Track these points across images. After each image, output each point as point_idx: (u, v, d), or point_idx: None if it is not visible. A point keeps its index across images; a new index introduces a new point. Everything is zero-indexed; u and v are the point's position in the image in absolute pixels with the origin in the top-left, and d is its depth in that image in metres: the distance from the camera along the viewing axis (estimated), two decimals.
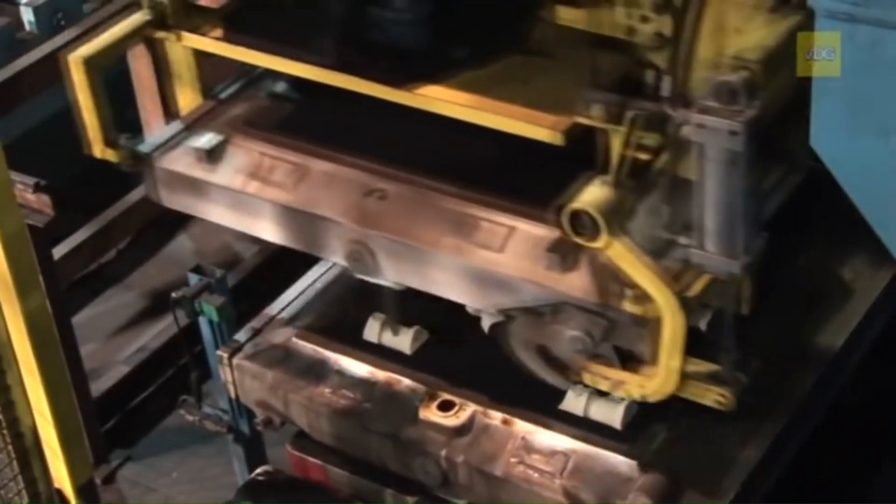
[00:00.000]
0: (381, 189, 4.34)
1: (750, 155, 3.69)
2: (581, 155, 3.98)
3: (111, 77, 7.68)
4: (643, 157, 3.93)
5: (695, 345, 4.10)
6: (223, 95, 4.86)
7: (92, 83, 4.60)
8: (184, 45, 4.68)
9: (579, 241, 3.91)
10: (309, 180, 4.44)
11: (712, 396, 4.17)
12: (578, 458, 4.33)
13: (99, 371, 6.66)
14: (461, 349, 4.71)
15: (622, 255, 3.90)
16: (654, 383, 4.14)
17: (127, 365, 6.69)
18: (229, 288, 5.17)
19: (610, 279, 3.97)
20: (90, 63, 4.58)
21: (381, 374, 4.76)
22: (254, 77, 4.91)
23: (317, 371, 4.78)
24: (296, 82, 4.74)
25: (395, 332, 4.81)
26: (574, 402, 4.44)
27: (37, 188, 5.48)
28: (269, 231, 4.55)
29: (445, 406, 4.60)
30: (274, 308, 5.11)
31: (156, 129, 4.85)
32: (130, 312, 7.26)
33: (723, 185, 3.76)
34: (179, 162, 4.63)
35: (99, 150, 4.74)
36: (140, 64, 7.26)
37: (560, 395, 4.46)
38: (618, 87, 3.92)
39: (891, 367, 5.20)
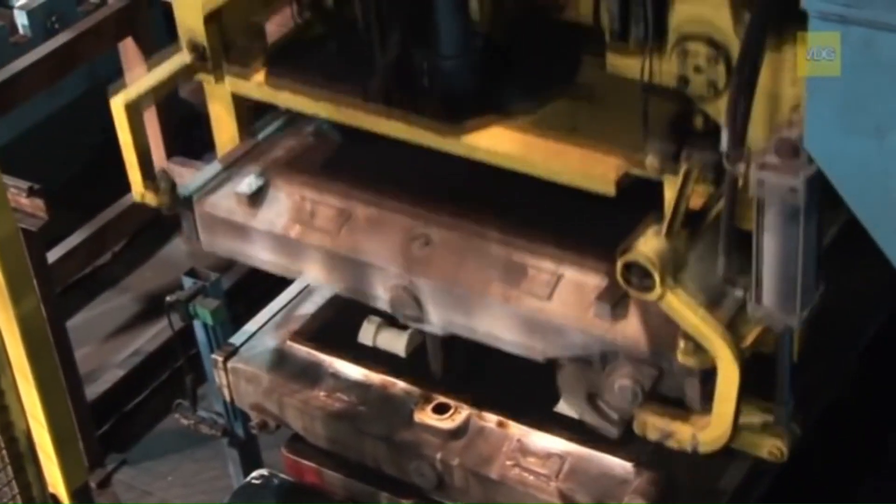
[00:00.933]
0: (426, 234, 4.29)
1: (810, 211, 3.62)
2: (631, 201, 3.95)
3: (105, 79, 7.72)
4: (698, 206, 3.92)
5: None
6: (263, 134, 4.80)
7: (133, 126, 4.61)
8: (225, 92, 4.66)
9: (633, 292, 3.87)
10: (352, 225, 4.39)
11: (766, 448, 4.12)
12: (574, 460, 4.33)
13: (94, 375, 6.66)
14: (456, 352, 4.70)
15: (677, 306, 3.85)
16: (708, 435, 4.05)
17: (122, 368, 6.69)
18: (224, 291, 5.17)
19: (661, 329, 3.94)
20: (131, 107, 4.60)
21: (375, 377, 4.75)
22: (294, 115, 4.82)
23: (311, 374, 4.77)
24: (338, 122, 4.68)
25: (390, 335, 4.80)
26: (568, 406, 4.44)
27: (30, 192, 5.48)
28: (313, 276, 4.51)
29: (440, 409, 4.59)
30: (268, 311, 5.10)
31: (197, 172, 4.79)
32: (125, 316, 7.25)
33: (782, 241, 3.69)
34: (221, 206, 4.56)
35: (139, 193, 4.70)
36: (135, 67, 7.26)
37: (555, 397, 4.46)
38: (671, 135, 3.88)
39: (889, 367, 5.21)
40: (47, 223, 5.52)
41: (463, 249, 4.23)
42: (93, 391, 6.50)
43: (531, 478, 4.39)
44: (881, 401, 5.27)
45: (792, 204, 3.60)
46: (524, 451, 4.40)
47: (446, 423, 4.52)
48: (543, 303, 4.07)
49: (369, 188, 4.43)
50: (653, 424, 4.15)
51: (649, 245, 3.83)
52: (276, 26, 4.80)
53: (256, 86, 4.51)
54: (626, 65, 3.94)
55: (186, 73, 4.65)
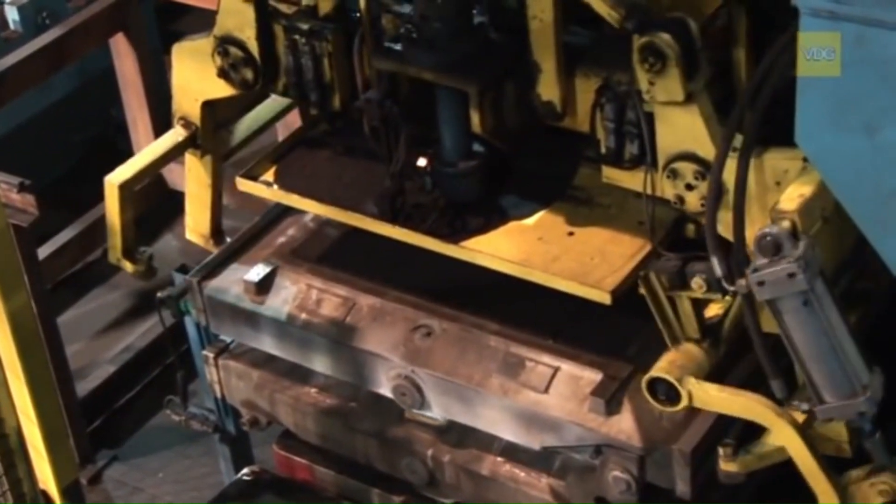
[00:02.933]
0: (428, 325, 4.46)
1: (818, 290, 3.67)
2: (626, 297, 4.10)
3: (96, 75, 7.71)
4: (713, 314, 4.08)
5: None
6: (269, 220, 5.00)
7: (122, 205, 4.91)
8: (206, 169, 4.95)
9: (664, 407, 4.03)
10: (356, 314, 4.56)
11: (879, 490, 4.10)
12: (565, 456, 4.33)
13: (84, 371, 6.65)
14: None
15: (712, 397, 3.99)
16: None
17: (113, 365, 6.68)
18: None
19: (654, 424, 4.11)
20: (125, 186, 4.89)
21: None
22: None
23: (302, 370, 4.77)
24: None
25: None
26: None
27: (21, 188, 5.46)
28: (318, 363, 4.67)
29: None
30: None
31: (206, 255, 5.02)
32: (116, 312, 7.24)
33: (809, 331, 3.74)
34: (228, 292, 4.75)
35: (115, 258, 5.04)
36: (125, 63, 7.25)
37: None
38: (672, 252, 4.03)
39: (886, 365, 5.20)
40: (38, 219, 5.50)
41: (463, 341, 4.41)
42: (83, 387, 6.49)
43: (522, 474, 4.40)
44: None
45: (799, 290, 3.65)
46: (515, 447, 4.41)
47: (437, 419, 4.53)
48: (541, 396, 4.24)
49: (373, 279, 4.64)
50: None
51: (669, 359, 4.02)
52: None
53: (266, 187, 4.70)
54: (622, 178, 4.13)
55: (178, 151, 4.91)
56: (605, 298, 4.09)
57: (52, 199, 5.92)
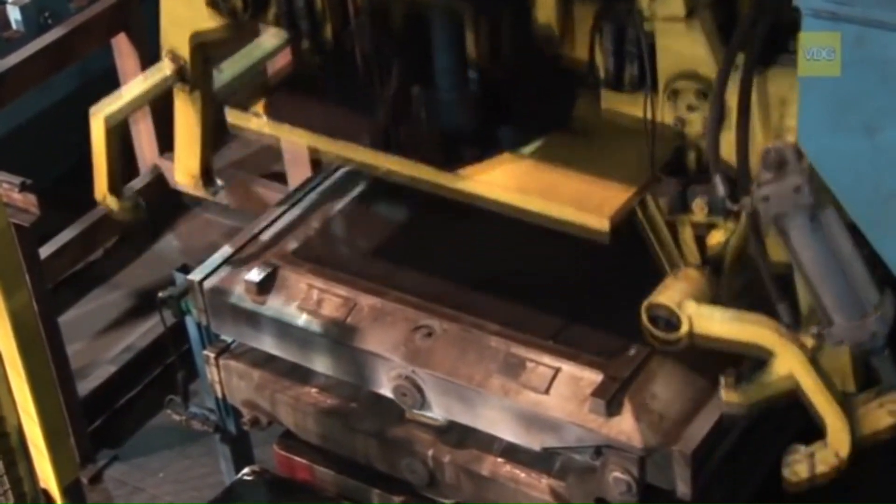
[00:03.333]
0: (429, 326, 4.45)
1: (825, 204, 3.58)
2: (630, 300, 4.07)
3: (98, 75, 7.71)
4: (716, 241, 3.97)
5: None
6: (270, 219, 4.97)
7: (108, 138, 4.74)
8: (195, 107, 4.77)
9: (662, 336, 3.94)
10: (357, 314, 4.54)
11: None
12: (565, 457, 4.33)
13: (85, 370, 6.65)
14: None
15: (716, 323, 3.89)
16: (836, 438, 3.90)
17: (114, 364, 6.68)
18: None
19: (655, 424, 4.08)
20: (110, 119, 4.74)
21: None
22: (299, 200, 5.04)
23: (303, 370, 4.78)
24: (347, 210, 4.89)
25: None
26: None
27: (23, 187, 5.46)
28: (319, 363, 4.66)
29: None
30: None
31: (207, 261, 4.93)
32: (117, 312, 7.24)
33: (817, 248, 3.65)
34: (229, 292, 4.73)
35: (101, 196, 4.87)
36: (127, 62, 7.26)
37: None
38: (673, 176, 3.92)
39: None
40: (39, 219, 5.50)
41: (464, 342, 4.40)
42: (84, 387, 6.49)
43: (522, 475, 4.40)
44: None
45: (805, 204, 3.56)
46: (516, 447, 4.41)
47: (438, 419, 4.53)
48: (541, 396, 4.23)
49: (374, 279, 4.62)
50: (797, 464, 4.01)
51: (671, 287, 3.91)
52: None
53: (255, 119, 4.58)
54: (621, 104, 4.03)
55: (165, 84, 4.75)
56: (604, 225, 3.96)
57: (53, 198, 5.91)
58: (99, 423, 6.54)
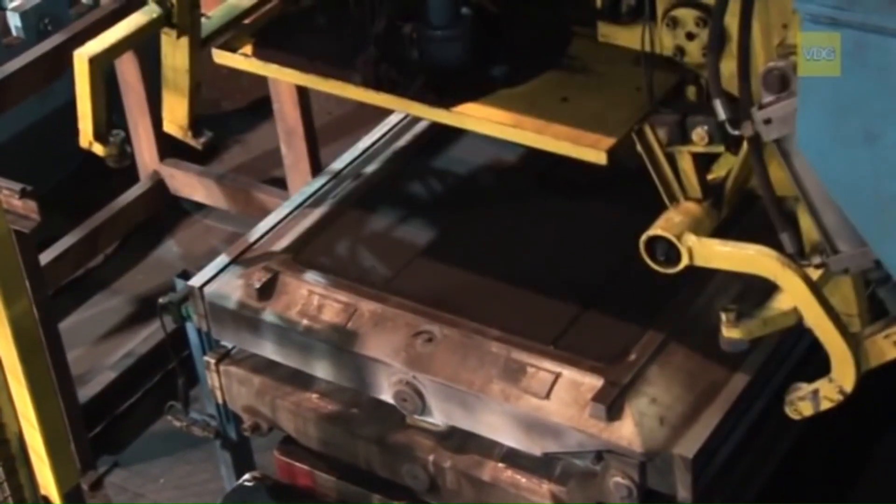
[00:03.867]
0: (429, 331, 4.45)
1: None
2: (632, 303, 4.12)
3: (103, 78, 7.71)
4: (717, 175, 3.90)
5: None
6: (270, 226, 4.97)
7: (93, 80, 4.61)
8: (182, 53, 4.64)
9: (661, 269, 3.85)
10: (358, 320, 4.55)
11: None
12: (566, 462, 4.33)
13: (86, 377, 6.65)
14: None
15: (715, 250, 3.78)
16: (840, 372, 3.74)
17: (114, 370, 6.68)
18: None
19: (655, 429, 4.08)
20: (95, 61, 4.61)
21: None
22: (300, 206, 5.05)
23: (304, 376, 4.78)
24: (347, 216, 4.88)
25: None
26: None
27: (23, 194, 5.46)
28: (319, 369, 4.66)
29: None
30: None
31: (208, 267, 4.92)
32: (117, 318, 7.24)
33: None
34: (229, 298, 4.73)
35: (87, 141, 4.74)
36: (127, 69, 7.26)
37: None
38: (672, 106, 3.85)
39: (877, 368, 5.21)
40: (39, 225, 5.50)
41: (464, 347, 4.40)
42: (85, 393, 6.48)
43: (523, 480, 4.40)
44: (873, 402, 5.27)
45: None
46: (516, 453, 4.41)
47: (438, 425, 4.53)
48: (542, 402, 4.23)
49: (375, 284, 4.63)
50: (799, 400, 3.86)
51: (669, 219, 3.81)
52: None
53: (244, 58, 4.49)
54: (619, 35, 3.93)
55: (151, 28, 4.61)
56: (602, 158, 3.87)
57: (53, 204, 5.92)
58: (99, 429, 6.53)
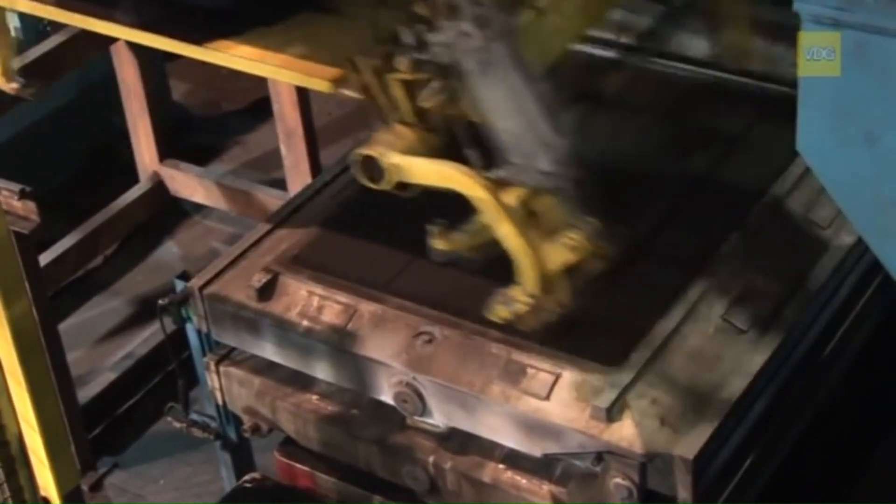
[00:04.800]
0: (429, 332, 4.46)
1: (502, 52, 3.78)
2: (626, 303, 4.23)
3: (97, 82, 7.72)
4: (429, 105, 4.09)
5: None
6: (271, 226, 5.00)
7: None
8: None
9: (372, 185, 4.13)
10: (358, 321, 4.56)
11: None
12: (566, 463, 4.33)
13: (86, 378, 6.64)
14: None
15: (410, 164, 4.07)
16: (527, 277, 4.06)
17: (114, 372, 6.67)
18: None
19: (656, 431, 4.09)
20: None
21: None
22: (299, 206, 5.09)
23: (304, 377, 4.77)
24: (347, 216, 4.97)
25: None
26: None
27: (22, 195, 5.45)
28: (319, 369, 4.67)
29: None
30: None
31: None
32: (117, 319, 7.24)
33: (493, 91, 3.85)
34: (229, 299, 4.75)
35: None
36: (127, 69, 7.26)
37: None
38: (394, 41, 4.07)
39: (878, 370, 5.21)
40: (39, 226, 5.49)
41: (464, 348, 4.40)
42: (85, 394, 6.48)
43: (524, 481, 4.40)
44: (871, 406, 5.28)
45: (476, 48, 3.78)
46: (517, 454, 4.41)
47: (439, 426, 4.53)
48: (542, 403, 4.23)
49: (375, 286, 4.63)
50: (497, 308, 4.18)
51: (375, 139, 4.11)
52: None
53: None
54: None
55: None
56: (326, 87, 4.15)
57: (53, 206, 5.91)
58: (99, 430, 6.52)
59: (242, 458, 5.36)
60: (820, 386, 4.76)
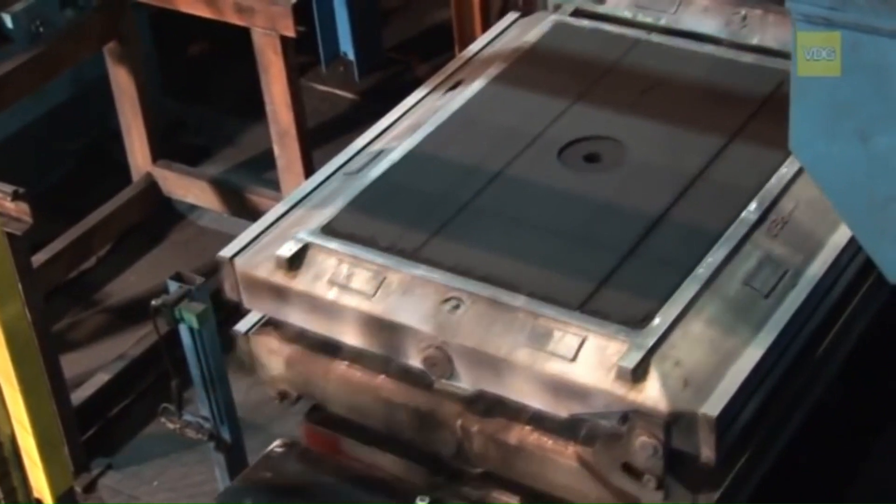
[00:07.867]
0: (457, 297, 4.50)
1: None
2: (650, 267, 4.31)
3: (90, 83, 7.71)
4: None
5: None
6: (300, 197, 5.03)
7: None
8: None
9: None
10: (387, 288, 4.60)
11: None
12: (591, 423, 4.35)
13: (79, 379, 6.64)
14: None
15: None
16: None
17: (107, 373, 6.68)
18: (209, 295, 5.15)
19: (680, 390, 4.12)
20: None
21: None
22: (328, 179, 5.12)
23: (333, 344, 4.79)
24: (374, 185, 4.97)
25: None
26: None
27: (15, 196, 5.46)
28: (349, 335, 4.70)
29: None
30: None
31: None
32: (110, 320, 7.23)
33: None
34: (261, 268, 4.78)
35: None
36: (119, 70, 7.26)
37: None
38: None
39: (874, 368, 5.22)
40: (32, 227, 5.50)
41: (492, 312, 4.44)
42: (78, 396, 6.48)
43: (550, 442, 4.42)
44: (865, 406, 5.29)
45: None
46: (543, 416, 4.43)
47: (466, 390, 4.55)
48: (568, 364, 4.27)
49: (403, 253, 4.67)
50: None
51: None
52: None
53: None
54: None
55: None
56: None
57: (46, 207, 5.92)
58: (93, 431, 6.53)
59: (236, 459, 5.36)
60: (838, 350, 4.79)
